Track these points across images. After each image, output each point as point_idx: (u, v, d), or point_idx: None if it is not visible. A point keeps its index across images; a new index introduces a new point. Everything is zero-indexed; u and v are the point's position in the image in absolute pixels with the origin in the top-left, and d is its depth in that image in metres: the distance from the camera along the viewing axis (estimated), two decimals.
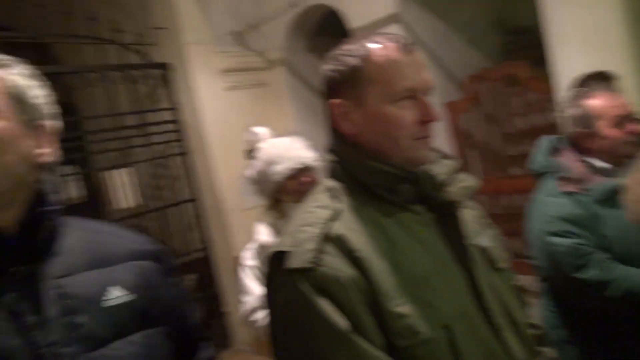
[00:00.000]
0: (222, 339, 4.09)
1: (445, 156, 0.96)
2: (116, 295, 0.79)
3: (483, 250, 0.93)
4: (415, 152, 0.87)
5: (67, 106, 3.54)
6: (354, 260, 0.79)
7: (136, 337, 0.79)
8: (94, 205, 4.43)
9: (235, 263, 3.08)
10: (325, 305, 0.75)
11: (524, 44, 3.48)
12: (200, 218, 4.10)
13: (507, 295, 0.92)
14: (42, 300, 0.72)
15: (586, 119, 1.54)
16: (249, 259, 1.78)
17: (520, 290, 1.02)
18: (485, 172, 3.50)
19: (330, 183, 0.91)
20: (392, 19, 3.33)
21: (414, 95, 0.86)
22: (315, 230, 0.80)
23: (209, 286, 4.13)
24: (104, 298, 0.78)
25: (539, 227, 1.55)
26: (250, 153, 1.84)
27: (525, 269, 1.57)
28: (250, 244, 1.82)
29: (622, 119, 1.51)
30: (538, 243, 1.55)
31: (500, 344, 0.84)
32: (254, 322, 1.68)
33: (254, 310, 1.69)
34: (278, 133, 1.87)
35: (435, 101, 3.42)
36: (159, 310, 0.85)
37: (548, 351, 1.01)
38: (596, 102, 1.54)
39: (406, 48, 0.87)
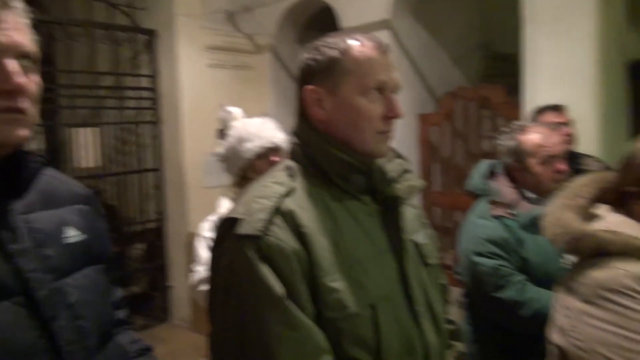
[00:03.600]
0: (161, 313, 4.06)
1: (398, 155, 1.02)
2: (72, 234, 0.87)
3: (417, 246, 0.99)
4: (376, 145, 0.92)
5: (45, 57, 3.44)
6: (299, 235, 0.83)
7: (87, 270, 0.88)
8: (54, 160, 4.33)
9: (189, 239, 3.07)
10: (266, 272, 0.80)
11: (503, 70, 3.58)
12: (159, 189, 4.05)
13: (432, 289, 0.98)
14: (18, 232, 0.78)
15: (519, 153, 1.60)
16: (207, 230, 1.80)
17: (445, 288, 1.08)
18: (445, 186, 3.58)
19: (290, 163, 0.96)
20: (383, 24, 3.38)
21: (383, 91, 0.91)
22: (268, 203, 0.85)
23: (157, 258, 4.09)
24: (63, 236, 0.86)
25: (467, 246, 1.62)
26: (222, 131, 1.85)
27: (453, 282, 1.63)
28: (210, 216, 1.83)
29: (552, 158, 1.57)
30: (465, 261, 1.62)
31: (417, 329, 0.90)
32: (202, 292, 1.68)
33: (202, 280, 1.70)
34: (252, 115, 1.88)
35: (410, 110, 3.49)
36: (99, 249, 0.94)
37: (459, 345, 1.06)
38: (531, 138, 1.60)
39: (382, 48, 0.93)
